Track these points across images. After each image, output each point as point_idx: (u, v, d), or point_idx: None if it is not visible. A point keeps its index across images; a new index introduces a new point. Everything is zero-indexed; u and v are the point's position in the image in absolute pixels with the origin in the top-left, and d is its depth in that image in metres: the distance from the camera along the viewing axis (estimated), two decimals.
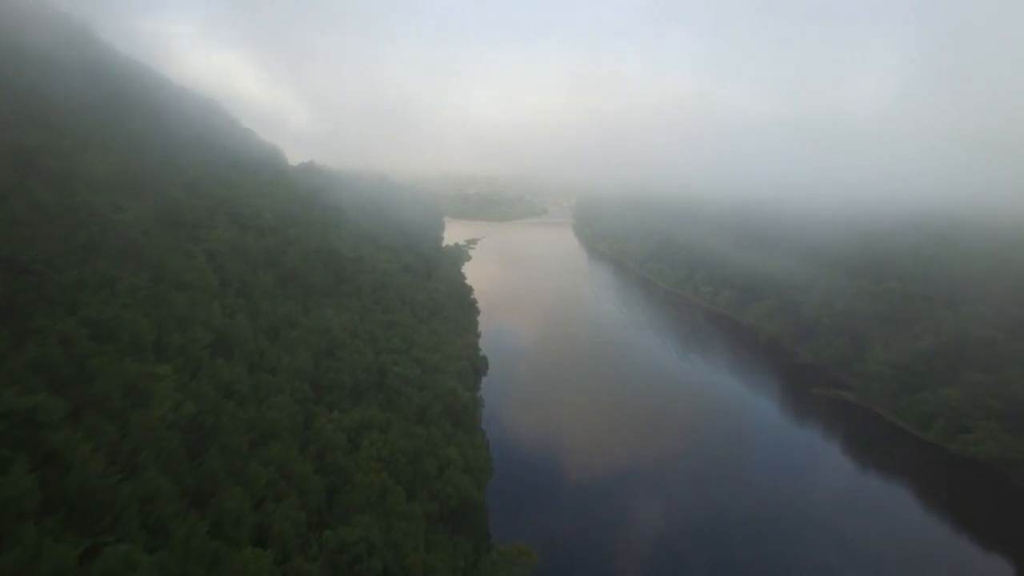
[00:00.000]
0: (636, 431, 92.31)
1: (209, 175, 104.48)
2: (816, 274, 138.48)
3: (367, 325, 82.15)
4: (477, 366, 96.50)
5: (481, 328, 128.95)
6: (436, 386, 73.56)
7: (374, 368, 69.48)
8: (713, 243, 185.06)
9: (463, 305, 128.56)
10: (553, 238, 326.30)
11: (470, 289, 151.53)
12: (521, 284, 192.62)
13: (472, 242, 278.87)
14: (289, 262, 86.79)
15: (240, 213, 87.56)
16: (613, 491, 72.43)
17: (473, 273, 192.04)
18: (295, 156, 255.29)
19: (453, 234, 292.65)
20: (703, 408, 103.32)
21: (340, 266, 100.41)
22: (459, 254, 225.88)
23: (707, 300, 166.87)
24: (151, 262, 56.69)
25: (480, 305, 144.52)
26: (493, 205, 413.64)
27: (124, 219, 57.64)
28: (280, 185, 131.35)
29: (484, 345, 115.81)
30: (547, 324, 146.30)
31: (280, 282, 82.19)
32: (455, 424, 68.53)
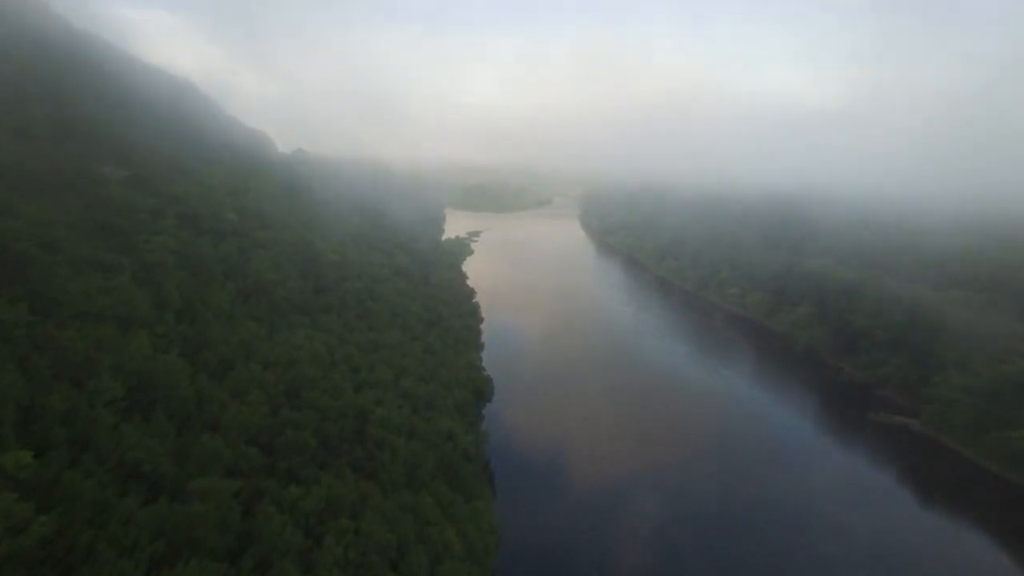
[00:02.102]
0: (665, 460, 78.44)
1: (167, 166, 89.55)
2: (860, 278, 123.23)
3: (346, 349, 67.71)
4: (481, 390, 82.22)
5: (485, 337, 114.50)
6: (430, 430, 59.33)
7: (351, 412, 55.15)
8: (737, 240, 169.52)
9: (464, 313, 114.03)
10: (559, 231, 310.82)
11: (472, 292, 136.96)
12: (527, 284, 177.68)
13: (474, 235, 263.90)
14: (255, 271, 72.27)
15: (196, 213, 72.84)
16: (642, 542, 58.95)
17: (475, 271, 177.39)
18: (289, 145, 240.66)
19: (454, 226, 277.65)
20: (740, 433, 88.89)
21: (320, 273, 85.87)
22: (460, 249, 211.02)
23: (733, 303, 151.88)
24: (43, 285, 42.19)
25: (483, 310, 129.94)
26: (496, 196, 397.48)
27: (8, 227, 43.00)
28: (258, 177, 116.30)
29: (488, 360, 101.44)
30: (557, 331, 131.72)
31: (242, 297, 67.75)
32: (453, 484, 54.33)
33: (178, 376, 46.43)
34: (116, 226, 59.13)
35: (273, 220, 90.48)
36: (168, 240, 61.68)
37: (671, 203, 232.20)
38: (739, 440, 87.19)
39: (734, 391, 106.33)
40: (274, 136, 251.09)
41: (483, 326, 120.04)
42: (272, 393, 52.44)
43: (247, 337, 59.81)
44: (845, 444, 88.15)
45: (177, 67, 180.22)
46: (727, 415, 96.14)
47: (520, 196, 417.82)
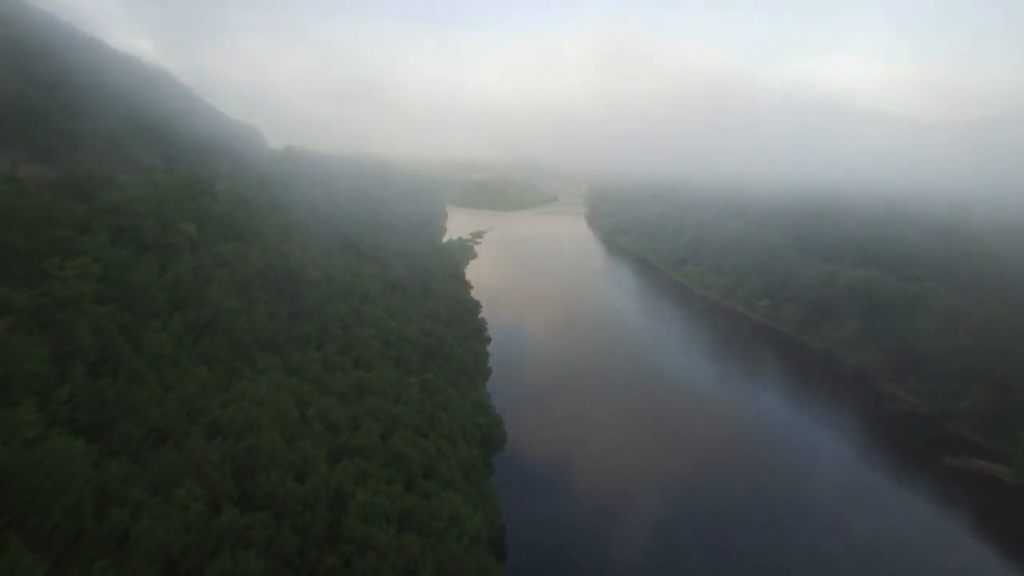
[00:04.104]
0: (706, 508, 65.50)
1: (119, 165, 75.70)
2: (917, 291, 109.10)
3: (324, 400, 53.82)
4: (490, 436, 68.47)
5: (492, 360, 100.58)
6: (428, 513, 45.56)
7: (323, 498, 41.40)
8: (765, 245, 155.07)
9: (468, 333, 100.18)
10: (566, 230, 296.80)
11: (476, 305, 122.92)
12: (535, 291, 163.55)
13: (478, 235, 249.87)
14: (213, 298, 58.36)
15: (139, 225, 58.85)
16: None
17: (479, 277, 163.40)
18: (287, 141, 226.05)
19: (456, 225, 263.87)
20: (790, 474, 76.03)
21: (297, 295, 72.00)
22: (462, 252, 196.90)
23: (764, 315, 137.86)
24: None
25: (489, 324, 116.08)
26: (499, 193, 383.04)
27: None
28: (235, 177, 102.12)
29: (497, 392, 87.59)
30: (571, 349, 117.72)
31: (192, 335, 53.87)
32: None
33: (68, 470, 32.57)
34: (16, 247, 45.25)
35: (244, 230, 76.44)
36: (90, 264, 47.69)
37: (689, 202, 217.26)
38: (789, 483, 74.02)
39: (776, 419, 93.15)
40: (266, 132, 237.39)
41: (490, 347, 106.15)
42: (214, 479, 38.58)
43: (191, 391, 45.96)
44: (916, 492, 74.56)
45: (153, 56, 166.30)
46: (772, 450, 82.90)
47: (524, 193, 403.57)
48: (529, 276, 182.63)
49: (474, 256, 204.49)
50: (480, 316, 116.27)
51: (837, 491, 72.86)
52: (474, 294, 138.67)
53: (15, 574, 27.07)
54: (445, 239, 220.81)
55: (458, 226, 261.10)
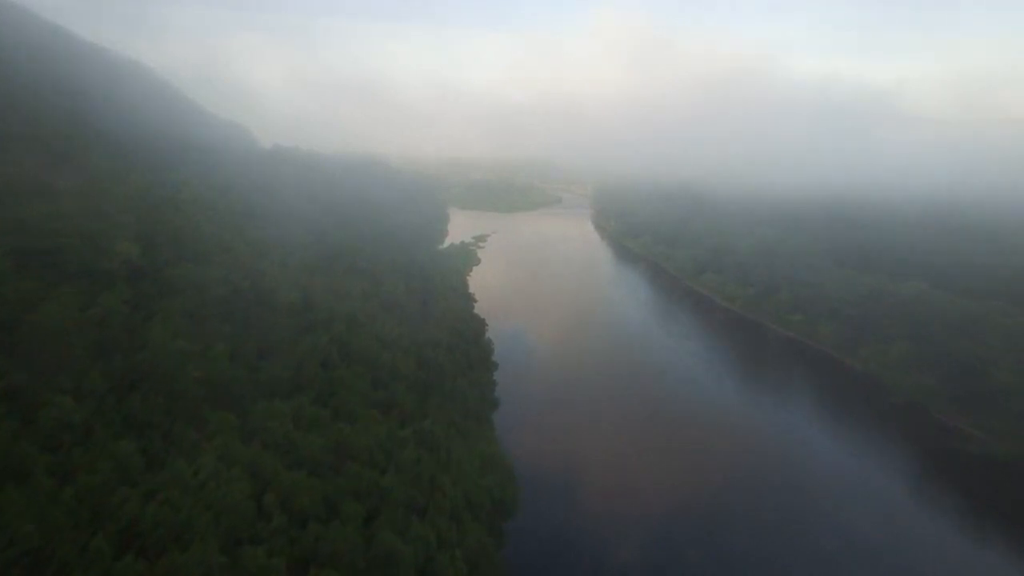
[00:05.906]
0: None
1: (57, 172, 63.39)
2: (976, 310, 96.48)
3: (290, 477, 41.26)
4: (502, 502, 56.02)
5: (499, 390, 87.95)
6: None
7: None
8: (797, 253, 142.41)
9: (473, 361, 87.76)
10: (572, 233, 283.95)
11: (482, 324, 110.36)
12: (545, 304, 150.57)
13: (480, 239, 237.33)
14: (152, 339, 45.96)
15: (59, 247, 46.50)
16: None
17: (483, 286, 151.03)
18: (278, 139, 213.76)
19: (458, 227, 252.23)
20: (857, 529, 63.94)
21: (268, 325, 59.56)
22: (464, 259, 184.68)
23: (797, 331, 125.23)
24: None
25: (496, 343, 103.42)
26: (502, 194, 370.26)
27: None
28: (209, 180, 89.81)
29: (508, 435, 74.81)
30: (588, 372, 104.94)
31: (116, 393, 41.42)
32: None
33: None
34: None
35: (208, 246, 64.11)
36: None
37: (708, 205, 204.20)
38: (852, 541, 61.87)
39: (823, 457, 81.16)
40: (258, 131, 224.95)
41: (497, 374, 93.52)
42: None
43: (101, 481, 33.64)
44: (1016, 560, 62.14)
45: (138, 53, 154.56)
46: (824, 495, 70.98)
47: (527, 195, 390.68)
48: (536, 285, 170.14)
49: (477, 262, 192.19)
50: (486, 336, 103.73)
51: (909, 551, 60.74)
52: (478, 308, 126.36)
53: None
54: (446, 243, 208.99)
55: (459, 229, 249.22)
